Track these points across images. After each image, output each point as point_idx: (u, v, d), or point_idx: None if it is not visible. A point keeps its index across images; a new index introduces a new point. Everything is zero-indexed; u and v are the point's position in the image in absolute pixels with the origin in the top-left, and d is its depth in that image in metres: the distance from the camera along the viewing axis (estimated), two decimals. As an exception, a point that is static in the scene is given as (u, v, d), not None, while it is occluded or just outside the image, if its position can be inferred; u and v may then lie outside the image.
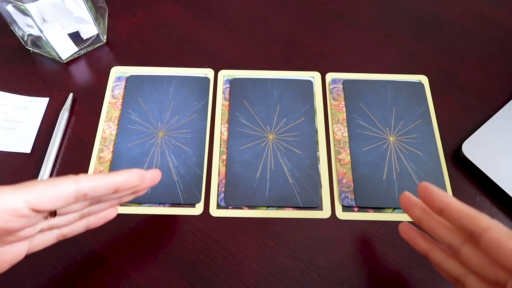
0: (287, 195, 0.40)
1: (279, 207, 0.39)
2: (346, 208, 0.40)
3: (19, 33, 0.46)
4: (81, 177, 0.26)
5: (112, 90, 0.46)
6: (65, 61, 0.47)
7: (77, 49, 0.47)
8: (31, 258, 0.36)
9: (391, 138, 0.43)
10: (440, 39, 0.51)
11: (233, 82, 0.46)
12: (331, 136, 0.43)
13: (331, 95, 0.46)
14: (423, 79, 0.47)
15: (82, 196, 0.26)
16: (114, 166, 0.41)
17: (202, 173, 0.41)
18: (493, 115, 0.44)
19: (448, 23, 0.52)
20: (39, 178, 0.39)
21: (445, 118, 0.45)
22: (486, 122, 0.43)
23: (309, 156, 0.42)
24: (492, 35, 0.51)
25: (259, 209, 0.39)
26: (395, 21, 0.52)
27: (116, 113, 0.44)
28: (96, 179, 0.26)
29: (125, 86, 0.46)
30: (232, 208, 0.39)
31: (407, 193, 0.31)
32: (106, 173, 0.29)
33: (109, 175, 0.27)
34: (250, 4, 0.53)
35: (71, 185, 0.25)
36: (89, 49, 0.48)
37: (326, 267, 0.37)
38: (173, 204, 0.39)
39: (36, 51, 0.48)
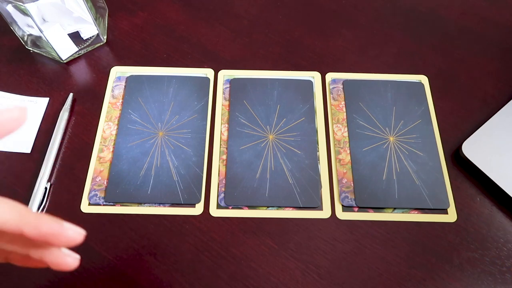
0: (287, 195, 0.40)
1: (279, 207, 0.39)
2: (346, 208, 0.40)
3: (19, 33, 0.46)
4: None
5: (112, 90, 0.46)
6: (65, 61, 0.47)
7: (77, 49, 0.47)
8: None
9: (391, 138, 0.43)
10: (440, 39, 0.51)
11: (233, 82, 0.46)
12: (331, 136, 0.43)
13: (331, 95, 0.46)
14: (423, 79, 0.47)
15: None
16: (114, 166, 0.41)
17: (202, 173, 0.41)
18: (493, 115, 0.44)
19: (448, 23, 0.52)
20: (39, 178, 0.39)
21: (445, 118, 0.45)
22: (486, 122, 0.43)
23: (309, 156, 0.42)
24: (492, 35, 0.51)
25: (259, 209, 0.39)
26: (395, 21, 0.52)
27: (116, 113, 0.44)
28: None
29: (125, 86, 0.46)
30: (232, 208, 0.39)
31: None
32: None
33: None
34: (250, 4, 0.53)
35: None
36: (89, 49, 0.48)
37: (326, 267, 0.37)
38: (173, 204, 0.39)
39: (36, 51, 0.48)
